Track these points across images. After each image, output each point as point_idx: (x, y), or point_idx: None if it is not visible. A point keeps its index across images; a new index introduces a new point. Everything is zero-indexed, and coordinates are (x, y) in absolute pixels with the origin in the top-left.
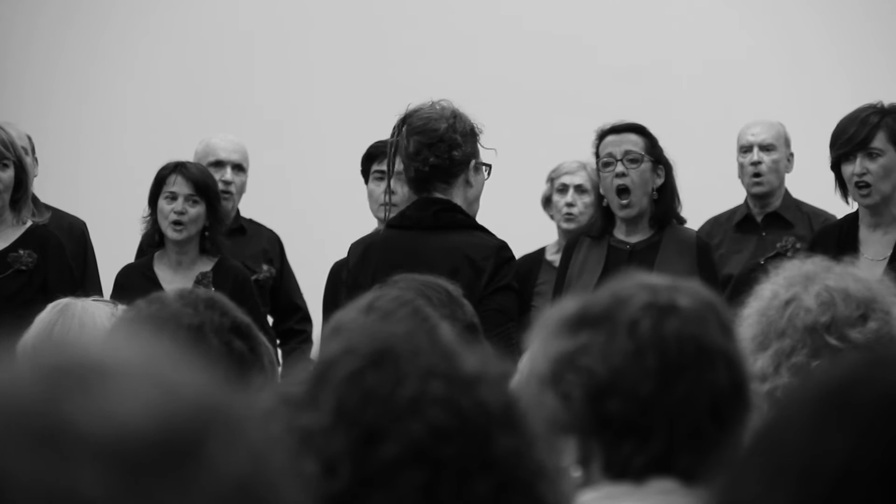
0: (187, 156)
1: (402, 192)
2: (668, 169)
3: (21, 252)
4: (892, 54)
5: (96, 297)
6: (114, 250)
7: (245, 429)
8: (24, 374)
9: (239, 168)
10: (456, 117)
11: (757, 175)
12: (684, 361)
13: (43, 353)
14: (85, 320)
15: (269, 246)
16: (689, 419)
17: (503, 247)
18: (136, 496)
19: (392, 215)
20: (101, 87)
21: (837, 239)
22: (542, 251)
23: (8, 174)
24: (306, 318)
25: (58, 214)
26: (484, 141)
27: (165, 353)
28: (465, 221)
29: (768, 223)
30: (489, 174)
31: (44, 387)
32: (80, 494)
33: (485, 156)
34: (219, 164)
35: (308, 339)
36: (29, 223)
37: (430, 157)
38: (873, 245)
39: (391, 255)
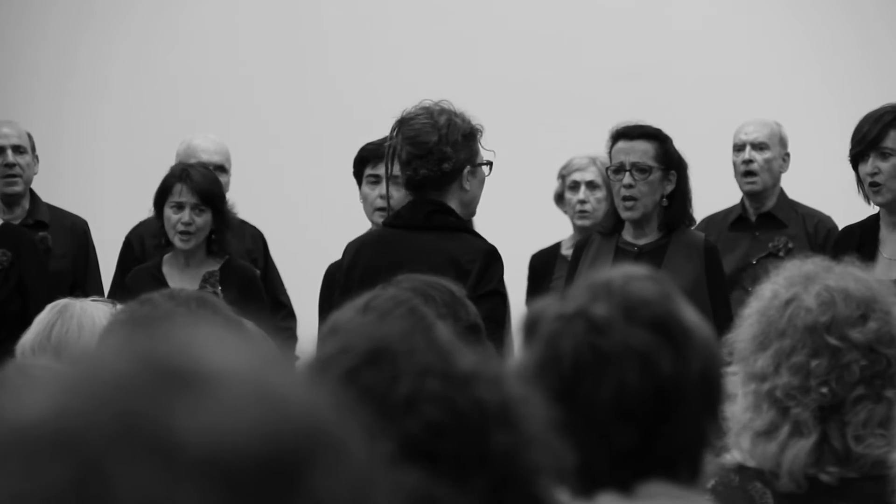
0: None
1: (398, 195)
2: (680, 173)
3: None
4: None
5: (95, 298)
6: (115, 250)
7: (349, 455)
8: (136, 375)
9: (221, 169)
10: (450, 126)
11: (749, 174)
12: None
13: (155, 353)
14: (83, 321)
15: (253, 245)
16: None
17: (491, 250)
18: None
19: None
20: (104, 86)
21: (860, 238)
22: (557, 246)
23: None
24: (291, 315)
25: (60, 214)
26: (485, 140)
27: (276, 363)
28: (455, 223)
29: (762, 223)
30: (490, 171)
31: (155, 392)
32: None
33: (486, 154)
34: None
35: (293, 336)
36: (0, 221)
37: (421, 168)
38: (892, 244)
39: (378, 253)
